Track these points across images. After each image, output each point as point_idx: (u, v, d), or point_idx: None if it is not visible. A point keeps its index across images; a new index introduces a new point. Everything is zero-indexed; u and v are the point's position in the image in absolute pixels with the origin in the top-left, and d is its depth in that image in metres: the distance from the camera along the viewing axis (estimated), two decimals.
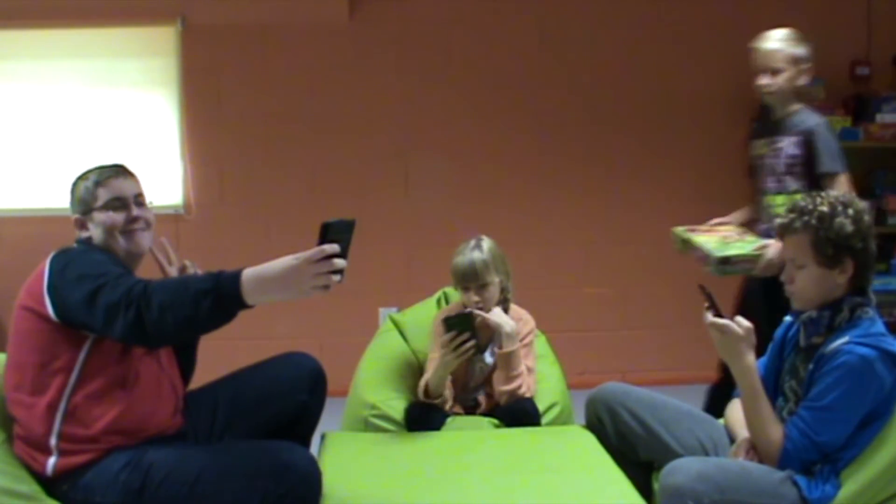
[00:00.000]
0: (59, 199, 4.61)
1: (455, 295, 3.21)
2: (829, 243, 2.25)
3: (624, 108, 4.82)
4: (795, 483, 2.23)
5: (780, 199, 3.38)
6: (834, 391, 2.21)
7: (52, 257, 2.34)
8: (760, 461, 2.38)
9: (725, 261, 3.19)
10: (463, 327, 2.80)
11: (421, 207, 4.75)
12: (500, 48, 4.74)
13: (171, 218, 4.58)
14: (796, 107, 3.42)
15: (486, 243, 3.00)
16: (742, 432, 2.47)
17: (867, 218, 2.30)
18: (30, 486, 2.21)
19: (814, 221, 2.27)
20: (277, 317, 4.78)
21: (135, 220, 2.45)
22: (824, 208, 2.27)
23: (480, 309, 2.93)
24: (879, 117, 4.64)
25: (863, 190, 4.82)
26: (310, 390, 2.63)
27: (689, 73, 4.85)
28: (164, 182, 4.59)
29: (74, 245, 2.45)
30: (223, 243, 4.70)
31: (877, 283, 4.54)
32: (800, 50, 3.40)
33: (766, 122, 3.52)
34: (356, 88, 4.68)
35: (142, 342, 2.18)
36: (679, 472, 2.22)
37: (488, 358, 3.00)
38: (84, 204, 2.48)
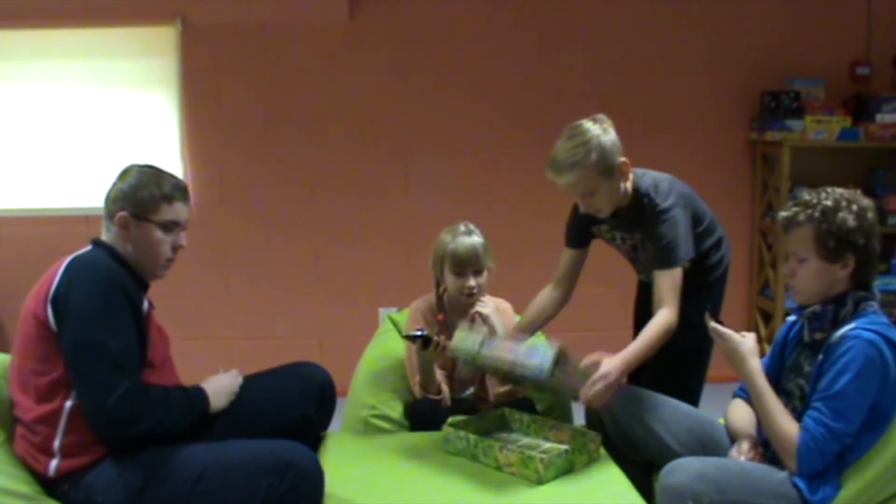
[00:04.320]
0: (58, 199, 4.64)
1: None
2: (831, 237, 2.27)
3: (623, 108, 4.80)
4: (795, 484, 2.23)
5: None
6: (844, 376, 2.20)
7: (66, 265, 2.31)
8: (761, 461, 2.38)
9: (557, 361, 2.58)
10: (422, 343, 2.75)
11: (421, 207, 4.75)
12: (500, 48, 4.74)
13: None
14: (631, 193, 2.81)
15: (476, 228, 2.98)
16: (742, 432, 2.48)
17: (871, 215, 2.31)
18: (30, 487, 2.20)
19: (817, 214, 2.28)
20: (277, 317, 4.78)
21: (179, 249, 2.45)
22: (828, 202, 2.29)
23: (472, 295, 2.91)
24: (879, 117, 4.64)
25: (863, 190, 4.81)
26: (317, 405, 2.61)
27: (688, 73, 4.85)
28: None
29: (91, 249, 2.40)
30: (223, 243, 4.70)
31: (877, 283, 4.55)
32: (599, 156, 2.66)
33: None
34: (356, 88, 4.68)
35: (98, 432, 2.21)
36: (679, 471, 2.22)
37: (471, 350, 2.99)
38: (143, 208, 2.39)
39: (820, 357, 2.28)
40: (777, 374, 2.49)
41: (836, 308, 2.31)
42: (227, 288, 4.76)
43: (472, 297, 2.91)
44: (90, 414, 2.18)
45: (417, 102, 4.72)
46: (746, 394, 2.62)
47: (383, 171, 4.74)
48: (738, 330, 2.46)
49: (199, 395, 2.40)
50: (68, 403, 2.22)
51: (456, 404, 2.98)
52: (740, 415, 2.54)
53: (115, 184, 2.44)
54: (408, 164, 4.75)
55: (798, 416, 2.32)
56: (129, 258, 2.38)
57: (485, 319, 2.90)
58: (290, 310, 4.77)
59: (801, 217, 2.31)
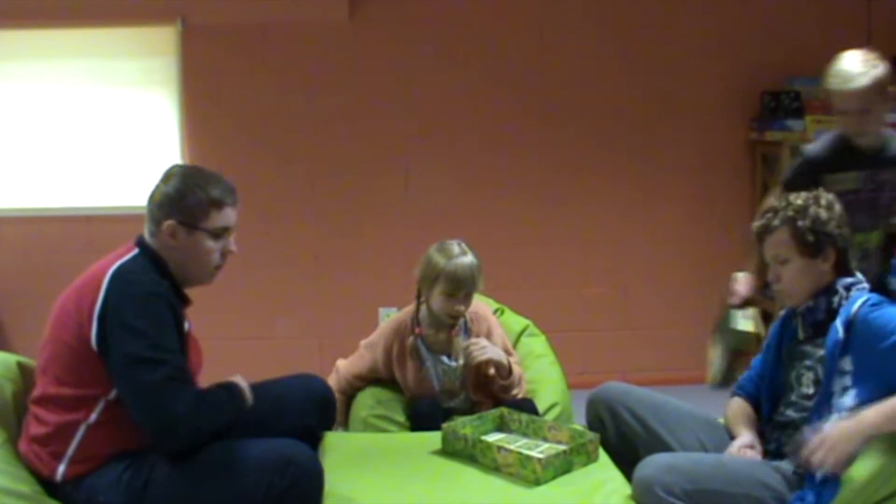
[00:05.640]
0: (58, 199, 4.64)
1: None
2: (808, 232, 2.35)
3: (624, 108, 4.83)
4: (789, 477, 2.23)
5: (874, 236, 3.09)
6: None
7: (110, 277, 2.21)
8: (757, 457, 2.39)
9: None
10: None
11: (421, 207, 4.75)
12: (501, 47, 4.74)
13: None
14: (885, 129, 3.06)
15: (469, 247, 2.92)
16: (739, 430, 2.49)
17: (837, 207, 2.42)
18: (31, 487, 2.20)
19: (790, 213, 2.38)
20: (277, 317, 4.78)
21: (228, 254, 2.39)
22: (798, 202, 2.40)
23: (455, 318, 2.88)
24: None
25: None
26: (318, 416, 2.62)
27: (688, 73, 4.85)
28: None
29: (135, 256, 2.29)
30: None
31: None
32: (884, 73, 2.91)
33: (849, 152, 3.07)
34: (356, 88, 4.67)
35: (166, 443, 2.17)
36: (649, 465, 2.25)
37: (452, 363, 2.96)
38: (191, 216, 2.29)
39: (840, 336, 2.27)
40: (773, 368, 2.51)
41: (827, 298, 2.37)
42: (227, 288, 4.75)
43: (457, 318, 2.90)
44: (159, 426, 2.12)
45: (417, 102, 4.72)
46: (745, 391, 2.63)
47: (383, 171, 4.74)
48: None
49: (238, 391, 2.34)
50: (92, 417, 2.19)
51: (448, 413, 2.97)
52: (738, 412, 2.56)
53: (158, 187, 2.32)
54: (408, 164, 4.75)
55: (815, 405, 2.32)
56: (174, 267, 2.31)
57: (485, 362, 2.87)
58: (290, 310, 4.77)
59: (776, 221, 2.40)
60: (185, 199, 2.28)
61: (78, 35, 4.53)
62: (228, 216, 2.36)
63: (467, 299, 2.88)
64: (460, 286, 2.84)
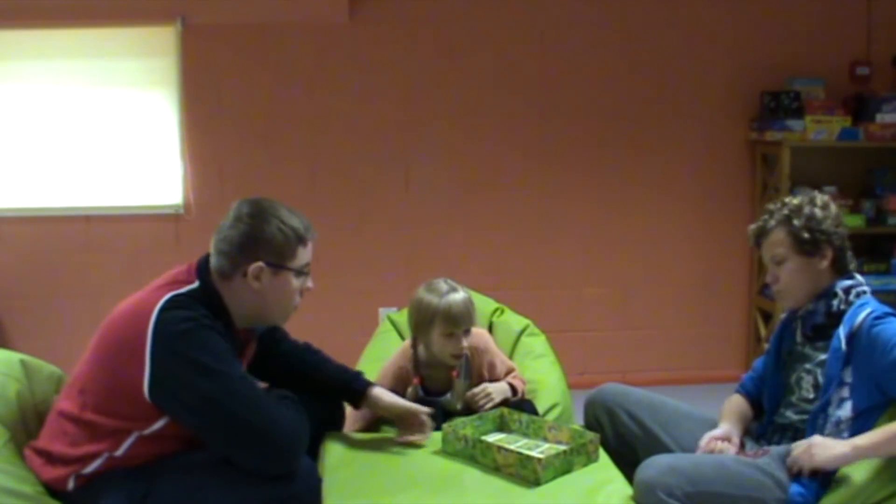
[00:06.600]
0: (58, 199, 4.64)
1: None
2: (804, 229, 2.36)
3: (624, 108, 4.83)
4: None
5: None
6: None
7: (157, 319, 2.09)
8: (737, 452, 2.41)
9: None
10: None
11: (421, 207, 4.75)
12: (501, 48, 4.74)
13: (171, 218, 4.58)
14: None
15: (456, 282, 2.84)
16: (724, 422, 2.52)
17: (833, 206, 2.42)
18: (33, 487, 2.19)
19: (786, 212, 2.39)
20: None
21: (304, 292, 2.29)
22: (794, 202, 2.41)
23: (459, 357, 2.82)
24: (879, 117, 4.64)
25: (863, 190, 4.83)
26: (325, 424, 2.64)
27: (688, 73, 4.85)
28: (164, 182, 4.59)
29: (193, 290, 2.17)
30: None
31: (877, 283, 4.57)
32: None
33: None
34: (356, 88, 4.68)
35: (270, 466, 2.13)
36: (650, 466, 2.25)
37: (449, 397, 2.92)
38: (279, 256, 2.16)
39: (844, 348, 2.29)
40: (773, 370, 2.51)
41: (827, 301, 2.37)
42: None
43: (460, 357, 2.84)
44: (268, 451, 2.10)
45: (417, 102, 4.72)
46: (745, 390, 2.64)
47: (383, 171, 4.74)
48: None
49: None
50: (119, 452, 2.18)
51: (448, 413, 2.95)
52: (729, 407, 2.59)
53: (233, 226, 2.20)
54: (408, 164, 4.75)
55: (812, 414, 2.34)
56: (247, 309, 2.22)
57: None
58: None
59: (772, 223, 2.41)
60: (271, 238, 2.17)
61: (78, 35, 4.53)
62: (310, 252, 2.26)
63: (467, 335, 2.81)
64: (458, 323, 2.76)
